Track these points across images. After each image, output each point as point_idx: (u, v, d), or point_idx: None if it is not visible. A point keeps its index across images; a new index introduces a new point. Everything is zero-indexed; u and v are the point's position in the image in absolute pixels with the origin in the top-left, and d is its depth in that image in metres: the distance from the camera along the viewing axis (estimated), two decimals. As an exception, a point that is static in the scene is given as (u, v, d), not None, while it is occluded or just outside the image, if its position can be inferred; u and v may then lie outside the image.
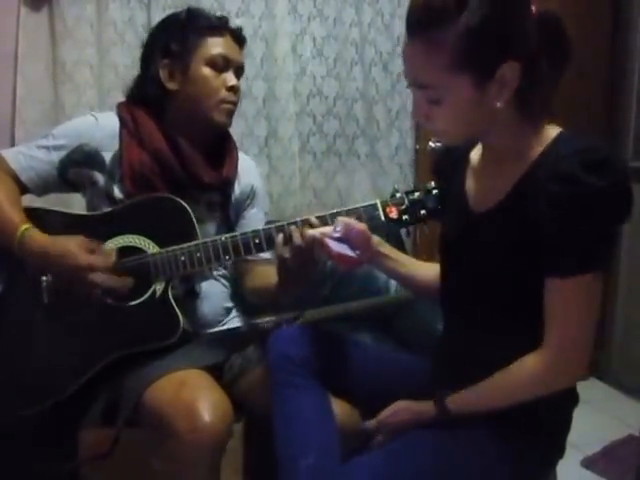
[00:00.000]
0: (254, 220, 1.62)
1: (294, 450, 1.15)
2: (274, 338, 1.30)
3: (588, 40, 2.64)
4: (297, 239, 1.26)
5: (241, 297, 1.68)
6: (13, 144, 2.10)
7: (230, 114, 1.51)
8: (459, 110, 1.03)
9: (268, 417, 1.26)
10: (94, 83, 2.23)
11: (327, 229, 1.24)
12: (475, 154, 1.22)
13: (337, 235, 1.20)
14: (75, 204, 1.82)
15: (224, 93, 1.47)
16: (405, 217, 1.34)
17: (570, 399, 1.18)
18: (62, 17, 2.17)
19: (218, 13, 1.56)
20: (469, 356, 1.16)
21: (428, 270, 1.38)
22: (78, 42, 2.19)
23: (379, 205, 1.35)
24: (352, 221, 1.25)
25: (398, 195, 1.35)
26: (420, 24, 0.99)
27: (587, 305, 1.03)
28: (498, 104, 1.02)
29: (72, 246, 1.34)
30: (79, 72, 2.20)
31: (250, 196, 1.64)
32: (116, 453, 1.35)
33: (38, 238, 1.35)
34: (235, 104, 1.51)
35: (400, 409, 1.20)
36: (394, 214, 1.34)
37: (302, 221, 1.32)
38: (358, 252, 1.23)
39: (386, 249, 1.34)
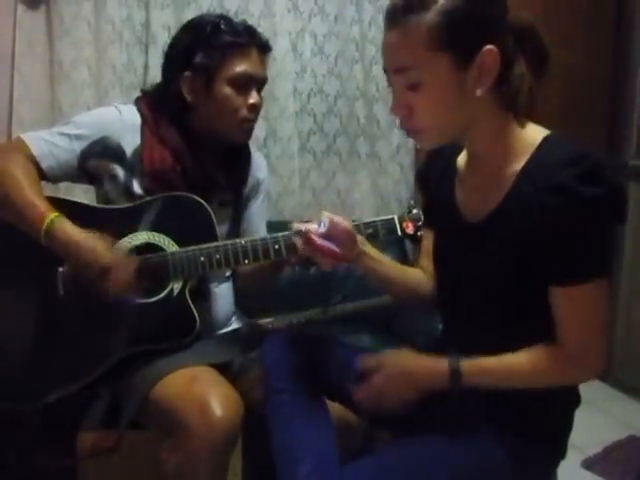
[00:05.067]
0: (256, 212, 1.66)
1: (292, 457, 1.14)
2: (265, 345, 1.30)
3: (591, 39, 2.63)
4: None
5: (241, 297, 1.68)
6: (10, 144, 2.09)
7: (249, 132, 1.52)
8: (439, 95, 1.01)
9: (266, 416, 1.26)
10: (92, 82, 2.22)
11: (312, 225, 1.21)
12: (461, 161, 1.21)
13: (322, 231, 1.19)
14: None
15: (244, 113, 1.47)
16: (420, 233, 1.39)
17: (572, 400, 1.18)
18: (59, 15, 2.16)
19: (242, 18, 1.53)
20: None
21: (413, 275, 1.35)
22: (75, 41, 2.19)
23: (396, 220, 1.39)
24: (338, 217, 1.23)
25: (414, 211, 1.40)
26: (399, 12, 1.00)
27: (598, 309, 1.04)
28: (478, 91, 1.01)
29: (100, 245, 1.33)
30: (76, 71, 2.20)
31: (255, 188, 1.66)
32: (120, 451, 1.35)
33: (67, 229, 1.33)
34: (254, 121, 1.51)
35: (407, 356, 1.11)
36: (410, 229, 1.39)
37: None
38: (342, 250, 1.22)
39: (370, 249, 1.31)
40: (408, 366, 1.09)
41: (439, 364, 1.08)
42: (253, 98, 1.47)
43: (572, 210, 0.98)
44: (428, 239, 1.31)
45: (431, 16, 0.97)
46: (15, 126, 2.16)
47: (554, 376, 1.07)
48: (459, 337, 1.20)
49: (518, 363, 1.06)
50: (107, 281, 1.33)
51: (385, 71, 1.07)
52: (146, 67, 2.26)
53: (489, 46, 0.98)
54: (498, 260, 1.08)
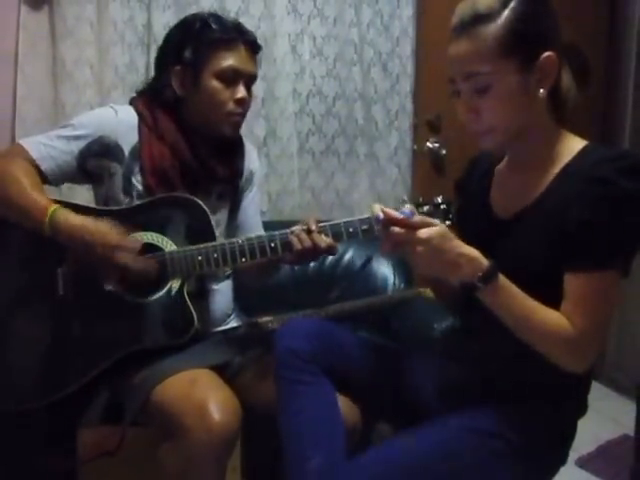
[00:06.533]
0: (251, 203, 1.68)
1: (303, 448, 1.15)
2: (280, 333, 1.29)
3: (585, 39, 2.64)
4: (307, 242, 1.34)
5: (241, 294, 1.70)
6: (13, 143, 2.10)
7: (237, 126, 1.54)
8: (506, 96, 1.09)
9: (267, 414, 1.27)
10: (94, 82, 2.24)
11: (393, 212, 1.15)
12: (499, 168, 1.27)
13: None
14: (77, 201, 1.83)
15: (231, 106, 1.48)
16: None
17: (579, 409, 1.20)
18: (62, 16, 2.18)
19: (231, 14, 1.54)
20: (495, 354, 1.17)
21: None
22: (78, 41, 2.20)
23: None
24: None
25: (407, 206, 1.38)
26: (468, 24, 1.09)
27: (608, 302, 1.08)
28: (541, 91, 1.10)
29: (103, 226, 1.36)
30: (79, 71, 2.22)
31: (249, 180, 1.68)
32: (121, 452, 1.36)
33: (69, 217, 1.36)
34: (242, 115, 1.53)
35: (452, 238, 1.06)
36: None
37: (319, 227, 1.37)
38: None
39: None
40: (456, 239, 1.07)
41: (481, 257, 1.07)
42: (240, 92, 1.48)
43: (609, 200, 1.02)
44: None
45: (498, 26, 1.08)
46: (18, 125, 2.18)
47: (558, 346, 1.07)
48: (481, 334, 1.22)
49: (547, 311, 1.07)
50: (114, 259, 1.34)
51: (451, 81, 1.14)
52: (148, 68, 2.27)
53: (548, 52, 1.09)
54: (527, 253, 1.11)
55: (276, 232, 1.39)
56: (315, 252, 1.35)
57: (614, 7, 2.79)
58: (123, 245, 1.35)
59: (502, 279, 1.06)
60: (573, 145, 1.14)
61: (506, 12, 1.08)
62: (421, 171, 2.65)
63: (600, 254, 1.04)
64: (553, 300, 1.07)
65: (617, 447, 2.29)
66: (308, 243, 1.34)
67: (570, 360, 1.08)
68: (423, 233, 1.04)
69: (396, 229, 1.06)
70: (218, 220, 1.57)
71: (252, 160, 1.69)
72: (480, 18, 1.08)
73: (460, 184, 1.39)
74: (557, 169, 1.13)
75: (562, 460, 1.21)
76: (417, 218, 1.07)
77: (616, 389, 2.74)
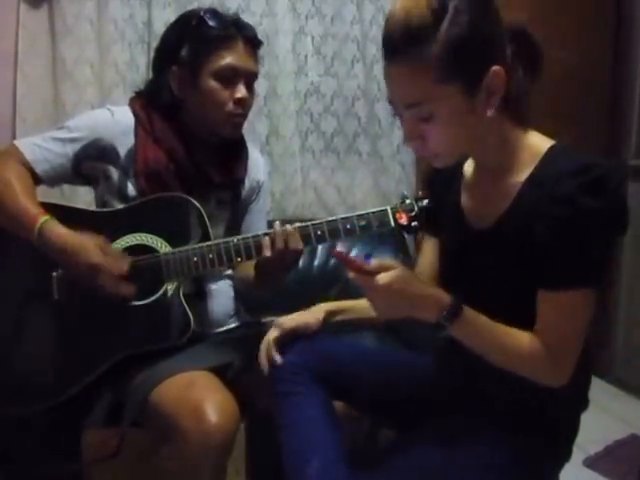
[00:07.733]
0: (257, 214, 1.65)
1: (300, 454, 1.14)
2: None
3: (590, 40, 2.64)
4: (280, 243, 1.34)
5: (244, 295, 1.68)
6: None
7: (238, 126, 1.51)
8: (452, 123, 1.01)
9: (269, 415, 1.26)
10: (94, 81, 2.24)
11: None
12: (468, 168, 1.21)
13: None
14: (79, 202, 1.82)
15: (231, 107, 1.45)
16: (414, 223, 1.36)
17: (580, 404, 1.18)
18: (62, 15, 2.18)
19: (231, 12, 1.51)
20: (474, 363, 1.14)
21: None
22: (78, 40, 2.20)
23: (389, 211, 1.37)
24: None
25: (407, 202, 1.37)
26: (401, 45, 0.97)
27: (577, 318, 1.04)
28: (488, 112, 1.01)
29: (89, 244, 1.33)
30: (79, 70, 2.21)
31: (256, 191, 1.66)
32: (124, 454, 1.35)
33: (58, 231, 1.34)
34: (243, 115, 1.49)
35: (417, 277, 1.07)
36: (403, 220, 1.36)
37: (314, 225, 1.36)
38: None
39: (336, 312, 1.37)
40: (416, 279, 1.06)
41: (443, 294, 1.05)
42: (240, 92, 1.44)
43: (572, 221, 0.98)
44: (429, 245, 1.33)
45: (435, 48, 0.96)
46: (19, 124, 2.18)
47: (533, 367, 1.05)
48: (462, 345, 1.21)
49: (516, 334, 1.05)
50: (97, 280, 1.32)
51: (391, 103, 1.06)
52: (149, 66, 2.26)
53: (495, 67, 0.98)
54: (503, 265, 1.08)
55: (271, 230, 1.38)
56: (285, 254, 1.35)
57: (620, 8, 2.76)
58: (105, 266, 1.32)
59: (467, 312, 1.04)
60: (538, 147, 1.07)
61: (443, 27, 0.95)
62: (425, 169, 2.63)
63: (568, 274, 1.01)
64: (527, 318, 1.05)
65: (625, 447, 2.26)
66: (281, 245, 1.35)
67: (546, 378, 1.06)
68: (382, 279, 1.01)
69: (351, 274, 1.04)
70: (216, 228, 1.53)
71: (258, 170, 1.66)
72: (413, 38, 0.95)
73: (430, 182, 1.34)
74: (523, 176, 1.06)
75: (566, 456, 1.19)
76: (374, 263, 1.03)
77: (624, 389, 2.72)
